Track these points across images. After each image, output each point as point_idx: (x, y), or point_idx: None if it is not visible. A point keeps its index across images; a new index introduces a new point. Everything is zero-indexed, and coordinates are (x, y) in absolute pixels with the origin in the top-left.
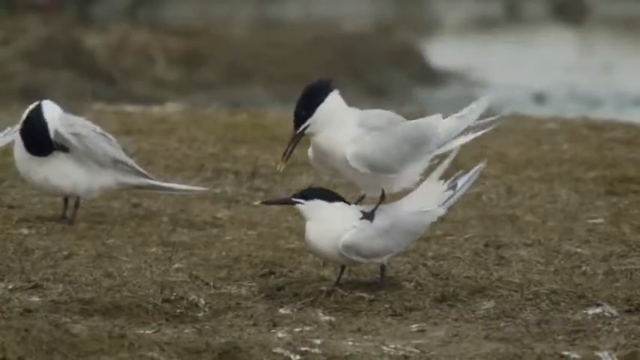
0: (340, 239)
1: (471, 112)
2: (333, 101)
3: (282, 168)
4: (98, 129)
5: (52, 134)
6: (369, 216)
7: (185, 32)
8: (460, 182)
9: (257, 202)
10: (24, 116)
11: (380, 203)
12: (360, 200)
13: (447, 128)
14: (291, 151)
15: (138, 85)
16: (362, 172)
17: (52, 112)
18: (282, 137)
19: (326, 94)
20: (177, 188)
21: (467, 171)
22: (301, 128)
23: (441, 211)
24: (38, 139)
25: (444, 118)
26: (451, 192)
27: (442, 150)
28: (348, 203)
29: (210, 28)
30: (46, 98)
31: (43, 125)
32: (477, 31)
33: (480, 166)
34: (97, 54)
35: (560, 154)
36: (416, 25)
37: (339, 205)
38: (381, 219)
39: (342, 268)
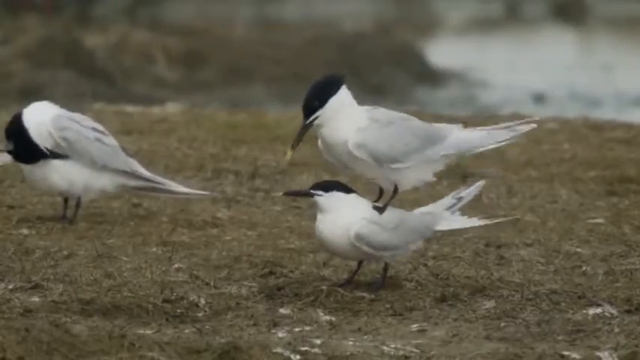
0: (352, 229)
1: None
2: (343, 95)
3: (289, 157)
4: (94, 134)
5: (41, 138)
6: (380, 209)
7: (185, 32)
8: (464, 194)
9: (279, 194)
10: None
11: (392, 198)
12: (378, 199)
13: (468, 136)
14: (299, 141)
15: (138, 85)
16: (365, 160)
17: (40, 116)
18: (282, 137)
19: (337, 88)
20: (178, 191)
21: (470, 185)
22: (311, 119)
23: (447, 215)
24: (22, 149)
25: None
26: (455, 201)
27: (458, 153)
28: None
29: (210, 28)
30: (45, 98)
31: (22, 134)
32: (477, 31)
33: (481, 183)
34: (97, 54)
35: (560, 154)
36: (416, 24)
37: (354, 197)
38: (391, 215)
39: (359, 265)
